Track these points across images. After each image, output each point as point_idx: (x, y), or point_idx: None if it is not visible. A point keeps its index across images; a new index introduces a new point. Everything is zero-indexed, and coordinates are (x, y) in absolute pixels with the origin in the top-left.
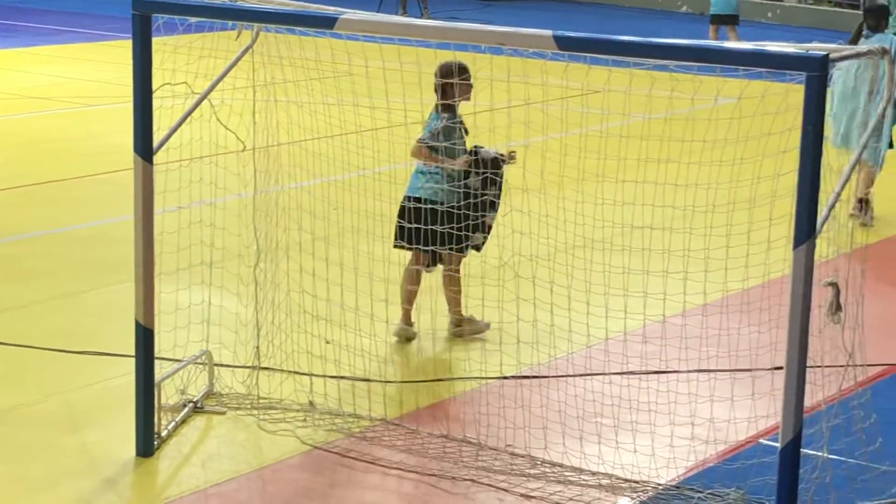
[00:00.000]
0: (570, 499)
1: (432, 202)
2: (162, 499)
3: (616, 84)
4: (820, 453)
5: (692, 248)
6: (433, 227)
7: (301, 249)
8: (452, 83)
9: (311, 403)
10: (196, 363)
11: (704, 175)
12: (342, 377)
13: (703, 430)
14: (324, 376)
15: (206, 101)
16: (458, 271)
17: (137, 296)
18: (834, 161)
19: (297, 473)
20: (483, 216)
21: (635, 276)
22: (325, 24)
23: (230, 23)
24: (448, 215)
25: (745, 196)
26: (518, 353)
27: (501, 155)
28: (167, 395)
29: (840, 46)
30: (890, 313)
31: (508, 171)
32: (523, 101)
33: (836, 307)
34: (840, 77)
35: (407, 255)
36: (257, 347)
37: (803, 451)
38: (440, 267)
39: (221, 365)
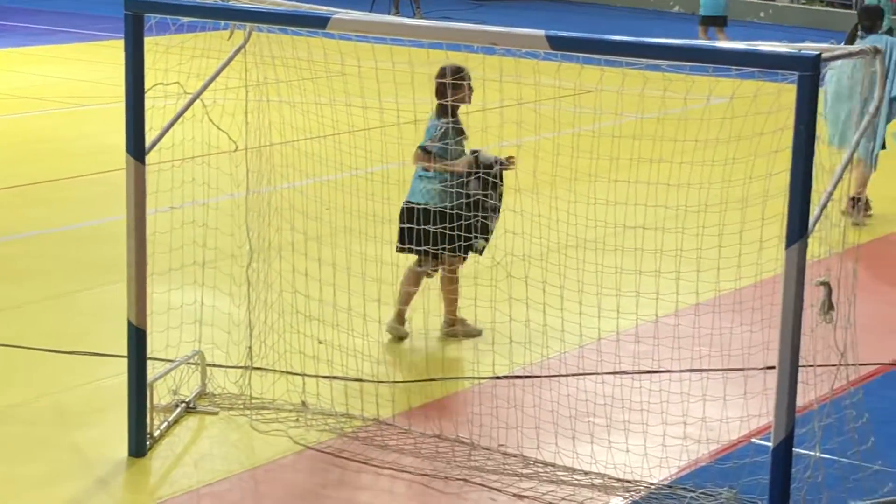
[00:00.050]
0: (563, 498)
1: (433, 205)
2: (154, 499)
3: (608, 84)
4: (812, 452)
5: (684, 247)
6: (433, 229)
7: (293, 249)
8: (452, 86)
9: (303, 403)
10: (188, 363)
11: (697, 175)
12: (335, 377)
13: (695, 430)
14: (316, 376)
15: (198, 102)
16: (456, 273)
17: (130, 296)
18: (826, 160)
19: (290, 473)
20: (484, 219)
21: (628, 275)
22: (317, 23)
23: (222, 23)
24: (447, 216)
25: (738, 196)
26: (510, 352)
27: (500, 160)
28: (159, 395)
29: (832, 46)
30: (882, 312)
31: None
32: (516, 100)
33: (829, 306)
34: (833, 76)
35: (402, 258)
36: (250, 347)
37: (795, 450)
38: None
39: (214, 365)
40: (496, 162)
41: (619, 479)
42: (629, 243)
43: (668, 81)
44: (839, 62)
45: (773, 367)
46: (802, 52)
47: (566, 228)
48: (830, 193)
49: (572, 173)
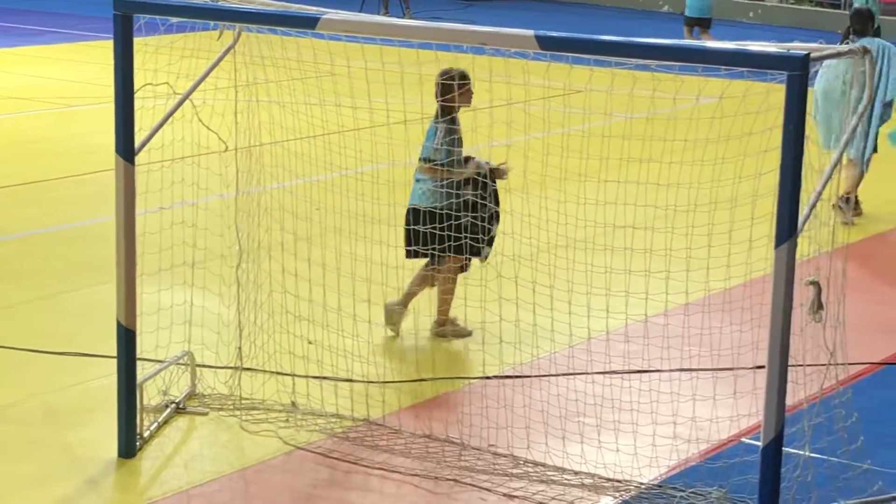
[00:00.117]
0: (553, 498)
1: (423, 205)
2: (144, 499)
3: (598, 84)
4: (802, 452)
5: (674, 247)
6: (422, 229)
7: (283, 250)
8: (453, 89)
9: (293, 404)
10: (178, 364)
11: (686, 174)
12: (325, 378)
13: (685, 429)
14: (306, 377)
15: (187, 102)
16: (452, 273)
17: (119, 297)
18: (815, 160)
19: (280, 474)
20: (486, 226)
21: (617, 275)
22: (306, 24)
23: (212, 23)
24: (437, 217)
25: (727, 195)
26: (501, 352)
27: (492, 166)
28: (149, 395)
29: (821, 46)
30: (872, 312)
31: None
32: (505, 101)
33: (818, 306)
34: (822, 77)
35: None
36: (239, 348)
37: (785, 449)
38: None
39: (204, 366)
40: (487, 167)
41: (608, 479)
42: (619, 243)
43: (657, 81)
44: (832, 64)
45: (762, 367)
46: (791, 51)
47: (556, 228)
48: (820, 193)
49: (562, 173)
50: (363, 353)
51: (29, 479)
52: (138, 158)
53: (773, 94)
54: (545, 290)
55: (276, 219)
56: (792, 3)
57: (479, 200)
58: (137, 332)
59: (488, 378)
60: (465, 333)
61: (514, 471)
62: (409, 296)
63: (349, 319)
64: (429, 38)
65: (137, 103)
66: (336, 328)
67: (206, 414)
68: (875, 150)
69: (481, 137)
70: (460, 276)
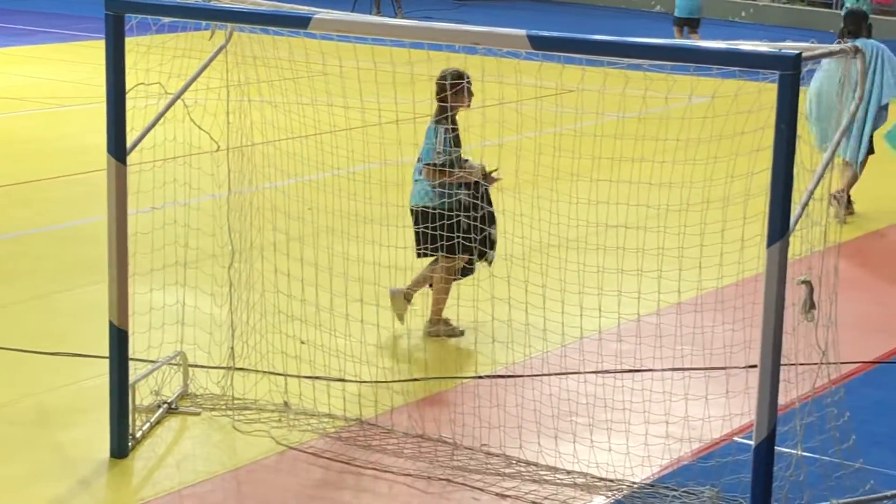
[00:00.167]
0: (546, 498)
1: (418, 205)
2: (136, 500)
3: (590, 83)
4: (794, 451)
5: (666, 246)
6: (416, 229)
7: (275, 250)
8: (453, 91)
9: (285, 404)
10: (170, 364)
11: (678, 174)
12: (317, 377)
13: (677, 429)
14: (299, 377)
15: (179, 102)
16: (448, 273)
17: (111, 297)
18: (808, 160)
19: (272, 474)
20: (482, 226)
21: (610, 274)
22: (298, 23)
23: (203, 23)
24: (429, 216)
25: (719, 195)
26: (493, 352)
27: (485, 171)
28: (141, 396)
29: (813, 45)
30: (865, 311)
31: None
32: (497, 100)
33: (810, 305)
34: (817, 80)
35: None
36: (232, 348)
37: (777, 448)
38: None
39: (196, 366)
40: (479, 168)
41: (601, 479)
42: (611, 242)
43: (649, 81)
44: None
45: (755, 366)
46: (783, 51)
47: (548, 228)
48: (812, 192)
49: (554, 173)
50: (355, 352)
51: (21, 479)
52: (130, 158)
53: (765, 93)
54: (537, 289)
55: (269, 218)
56: (784, 3)
57: (474, 201)
58: (130, 332)
59: (481, 378)
60: (457, 333)
61: (507, 470)
62: (414, 287)
63: (342, 319)
64: (420, 38)
65: (129, 103)
66: (328, 328)
67: (198, 414)
68: (872, 150)
69: (473, 137)
70: (467, 279)
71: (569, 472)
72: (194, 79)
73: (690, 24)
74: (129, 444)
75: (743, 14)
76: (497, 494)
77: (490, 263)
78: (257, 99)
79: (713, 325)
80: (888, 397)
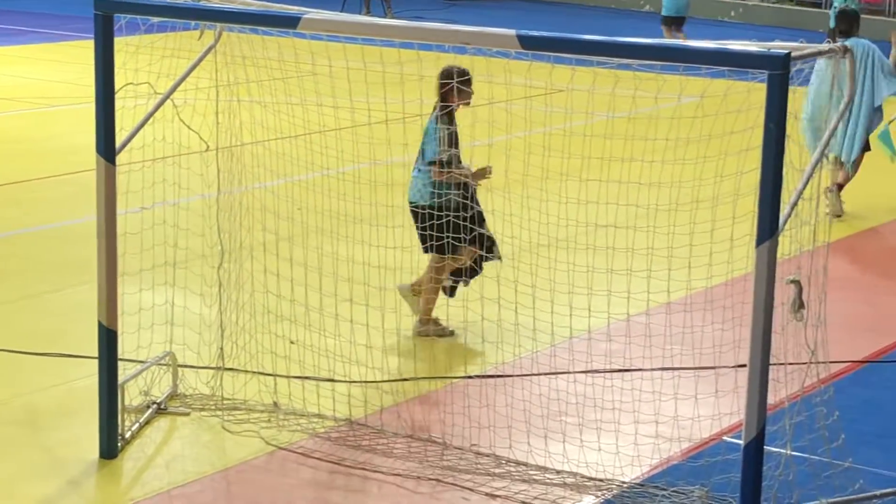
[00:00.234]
0: (535, 497)
1: (418, 204)
2: (126, 500)
3: (579, 83)
4: (783, 450)
5: (656, 246)
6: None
7: (265, 250)
8: (454, 89)
9: (275, 404)
10: (160, 364)
11: (668, 173)
12: (306, 378)
13: (667, 428)
14: (288, 377)
15: (168, 102)
16: (439, 273)
17: (100, 297)
18: (797, 159)
19: (262, 474)
20: (473, 229)
21: (599, 274)
22: (288, 23)
23: (192, 23)
24: (419, 216)
25: (708, 194)
26: (483, 352)
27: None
28: (131, 396)
29: (802, 45)
30: (856, 311)
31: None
32: (487, 100)
33: (799, 304)
34: (814, 84)
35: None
36: (221, 348)
37: (767, 448)
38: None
39: (185, 366)
40: (468, 169)
41: (591, 478)
42: (601, 242)
43: (638, 80)
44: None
45: (744, 366)
46: (772, 51)
47: (537, 227)
48: (801, 192)
49: (543, 172)
50: (345, 352)
51: (10, 478)
52: (119, 158)
53: (754, 93)
54: (527, 289)
55: (258, 219)
56: (773, 3)
57: (464, 201)
58: (119, 332)
59: (471, 378)
60: (447, 333)
61: (497, 470)
62: (420, 283)
63: (331, 319)
64: (411, 38)
65: (118, 103)
66: (318, 328)
67: (187, 414)
68: (868, 148)
69: (463, 137)
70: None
71: (558, 472)
72: (183, 79)
73: (676, 23)
74: (119, 444)
75: (732, 14)
76: (487, 494)
77: (501, 259)
78: (247, 99)
79: (702, 325)
80: (877, 396)
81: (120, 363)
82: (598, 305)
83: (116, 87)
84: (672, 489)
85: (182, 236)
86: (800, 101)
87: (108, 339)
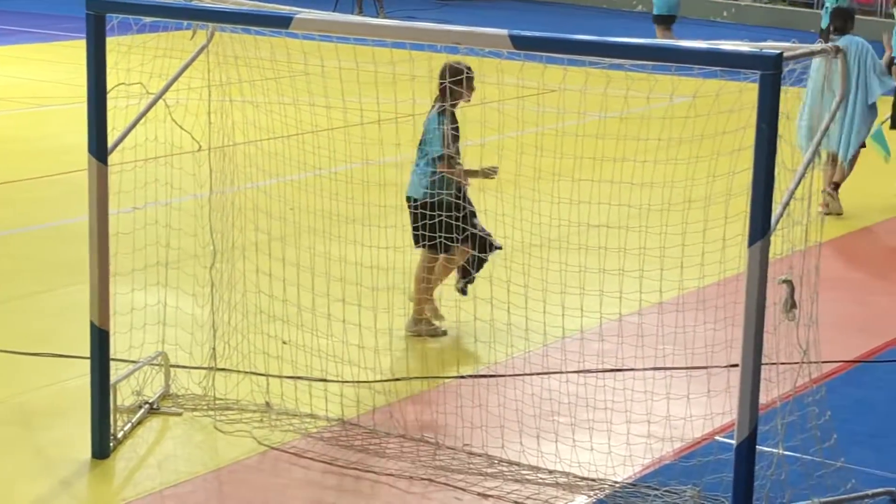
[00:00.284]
0: (528, 497)
1: (409, 198)
2: (118, 500)
3: (572, 83)
4: (775, 450)
5: (648, 246)
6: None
7: (257, 250)
8: (457, 86)
9: (267, 404)
10: (152, 364)
11: (660, 173)
12: (299, 378)
13: (659, 428)
14: (280, 377)
15: (161, 102)
16: (431, 273)
17: (92, 297)
18: (789, 159)
19: (254, 474)
20: (466, 228)
21: (592, 274)
22: (280, 23)
23: (185, 22)
24: (420, 217)
25: (701, 194)
26: (475, 352)
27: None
28: (123, 396)
29: (794, 45)
30: (849, 311)
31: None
32: (479, 100)
33: (791, 304)
34: (810, 84)
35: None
36: (213, 348)
37: (759, 447)
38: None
39: (177, 366)
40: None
41: (583, 478)
42: (593, 242)
43: (630, 81)
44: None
45: (736, 365)
46: (764, 51)
47: (530, 227)
48: (793, 192)
49: (536, 172)
50: (337, 352)
51: (2, 479)
52: (111, 158)
53: (746, 93)
54: (519, 288)
55: (250, 219)
56: (765, 3)
57: (456, 201)
58: (111, 332)
59: (463, 377)
60: (439, 333)
61: (489, 470)
62: (431, 289)
63: (323, 319)
64: (403, 38)
65: (110, 103)
66: (310, 328)
67: (179, 414)
68: (864, 145)
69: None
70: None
71: (551, 472)
72: (176, 78)
73: (667, 22)
74: (111, 444)
75: (724, 14)
76: (479, 494)
77: (500, 247)
78: (239, 99)
79: (695, 325)
80: (869, 396)
81: (112, 363)
82: (591, 305)
83: (108, 86)
84: (664, 489)
85: (174, 236)
86: (792, 101)
87: (100, 339)
